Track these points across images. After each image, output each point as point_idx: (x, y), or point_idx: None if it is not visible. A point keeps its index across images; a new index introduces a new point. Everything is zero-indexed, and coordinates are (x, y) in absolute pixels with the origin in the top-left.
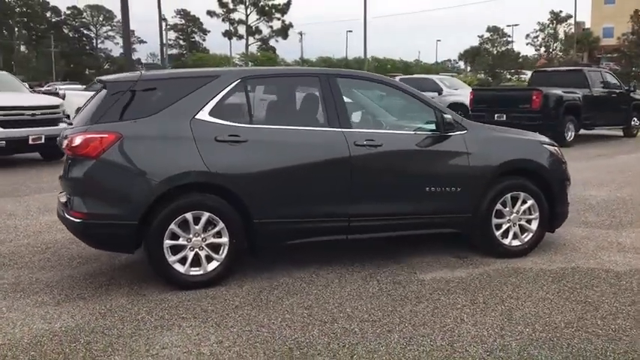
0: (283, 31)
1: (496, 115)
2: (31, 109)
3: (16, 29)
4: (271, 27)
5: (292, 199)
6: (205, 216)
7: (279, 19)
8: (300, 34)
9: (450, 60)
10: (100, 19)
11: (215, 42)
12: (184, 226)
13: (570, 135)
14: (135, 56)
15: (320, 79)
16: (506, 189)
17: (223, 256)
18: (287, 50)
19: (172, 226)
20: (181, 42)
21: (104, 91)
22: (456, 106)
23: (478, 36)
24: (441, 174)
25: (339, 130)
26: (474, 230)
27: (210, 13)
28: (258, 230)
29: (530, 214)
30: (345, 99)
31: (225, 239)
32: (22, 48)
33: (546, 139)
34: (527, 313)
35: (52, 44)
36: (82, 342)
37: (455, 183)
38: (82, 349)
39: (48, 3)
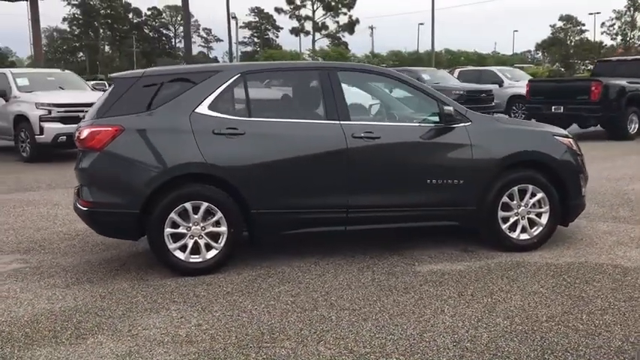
0: (349, 26)
1: (553, 108)
2: (90, 105)
3: (101, 30)
4: (337, 22)
5: (289, 190)
6: (204, 206)
7: (345, 14)
8: (371, 28)
9: (529, 51)
10: (178, 18)
11: (287, 39)
12: (184, 215)
13: (634, 127)
14: (212, 54)
15: (320, 72)
16: (513, 181)
17: (222, 244)
18: (358, 45)
19: (172, 215)
20: (255, 39)
21: (111, 87)
22: (516, 99)
23: (550, 25)
24: (443, 166)
25: (337, 122)
26: (479, 223)
27: (278, 10)
28: (256, 220)
29: (540, 207)
30: (349, 92)
31: (223, 228)
32: (107, 48)
33: (559, 131)
34: (511, 306)
35: (133, 44)
36: (74, 321)
37: (457, 175)
38: (72, 327)
39: (130, 5)
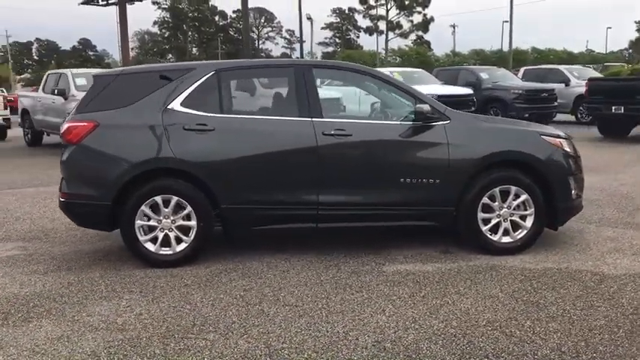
0: (424, 25)
1: (613, 108)
2: None
3: (190, 33)
4: (412, 21)
5: (259, 186)
6: (174, 200)
7: (419, 12)
8: (453, 26)
9: (627, 49)
10: (262, 20)
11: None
12: (156, 208)
13: None
14: (294, 55)
15: (294, 70)
16: (494, 182)
17: (191, 238)
18: (440, 44)
19: (143, 208)
20: (337, 40)
21: (92, 84)
22: (582, 98)
23: (635, 22)
24: (417, 165)
25: (309, 119)
26: (459, 225)
27: (352, 10)
28: (226, 215)
29: (525, 209)
30: (326, 89)
31: (193, 222)
32: (194, 50)
33: (548, 130)
34: (456, 309)
35: (218, 46)
36: (30, 306)
37: (432, 175)
38: (25, 311)
39: (216, 8)
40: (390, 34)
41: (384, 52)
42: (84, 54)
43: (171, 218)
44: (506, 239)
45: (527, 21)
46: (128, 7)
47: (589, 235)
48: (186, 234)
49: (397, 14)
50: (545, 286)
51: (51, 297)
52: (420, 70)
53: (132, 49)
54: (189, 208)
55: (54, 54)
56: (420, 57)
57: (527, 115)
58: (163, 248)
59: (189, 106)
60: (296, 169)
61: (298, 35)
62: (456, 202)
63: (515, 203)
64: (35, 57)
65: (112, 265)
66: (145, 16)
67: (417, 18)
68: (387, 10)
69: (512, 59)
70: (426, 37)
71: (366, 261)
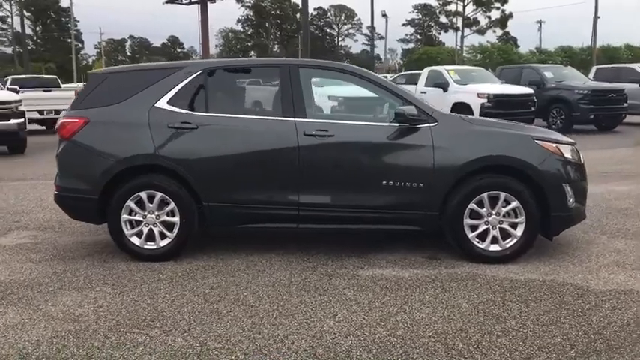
0: (502, 22)
1: None
2: None
3: (272, 31)
4: (489, 17)
5: (240, 185)
6: (158, 196)
7: (497, 8)
8: (540, 22)
9: None
10: (342, 17)
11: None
12: (141, 203)
13: None
14: (375, 52)
15: (281, 69)
16: (482, 188)
17: (174, 234)
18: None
19: (129, 203)
20: (418, 37)
21: (87, 82)
22: None
23: None
24: (400, 168)
25: (291, 119)
26: (444, 230)
27: (428, 7)
28: (207, 213)
29: (516, 217)
30: (313, 89)
31: (176, 218)
32: (275, 48)
33: (544, 135)
34: (409, 318)
35: (298, 43)
36: (6, 292)
37: (416, 178)
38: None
39: (298, 5)
40: (467, 31)
41: (465, 48)
42: (172, 51)
43: (156, 214)
44: (494, 247)
45: (626, 15)
46: (211, 5)
47: (596, 246)
48: (170, 230)
49: (474, 10)
50: (518, 299)
51: (30, 285)
52: (478, 68)
53: (216, 46)
54: (172, 205)
55: (145, 51)
56: (503, 54)
57: (592, 117)
58: (148, 243)
59: (176, 104)
60: (277, 169)
61: (380, 32)
62: (441, 207)
63: (504, 210)
64: (128, 53)
65: (102, 257)
66: (229, 15)
67: (495, 14)
68: (464, 6)
69: (604, 57)
70: (512, 33)
71: (346, 264)
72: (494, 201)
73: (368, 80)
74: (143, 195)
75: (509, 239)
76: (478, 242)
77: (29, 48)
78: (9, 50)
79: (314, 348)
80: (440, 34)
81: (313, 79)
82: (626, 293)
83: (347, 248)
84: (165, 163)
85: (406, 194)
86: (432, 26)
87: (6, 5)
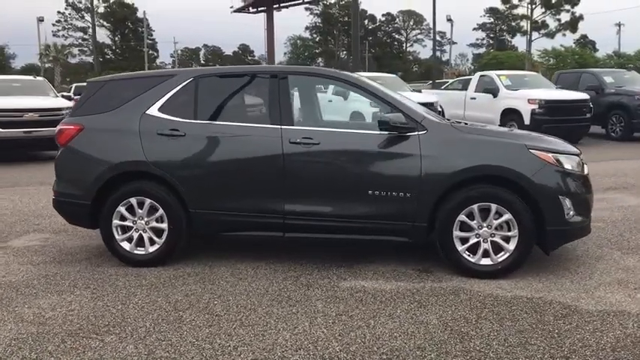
0: (572, 24)
1: None
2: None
3: (342, 37)
4: (559, 20)
5: (226, 192)
6: (147, 202)
7: (567, 11)
8: (619, 25)
9: None
10: (411, 23)
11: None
12: (131, 209)
13: None
14: (444, 57)
15: (270, 76)
16: (472, 199)
17: (163, 240)
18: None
19: (120, 209)
20: (490, 40)
21: (85, 90)
22: None
23: None
24: (387, 177)
25: (278, 127)
26: (434, 242)
27: (493, 10)
28: (194, 219)
29: (509, 230)
30: (301, 97)
31: (165, 225)
32: (342, 54)
33: (542, 144)
34: (369, 334)
35: (366, 49)
36: None
37: (403, 188)
38: None
39: (366, 11)
40: (535, 34)
41: (536, 52)
42: (243, 58)
43: (145, 219)
44: (485, 261)
45: None
46: (279, 14)
47: (604, 263)
48: (159, 236)
49: (542, 13)
50: (494, 317)
51: (17, 287)
52: (532, 73)
53: (284, 54)
54: (161, 211)
55: (218, 59)
56: (578, 58)
57: None
58: (138, 248)
59: (166, 111)
60: (263, 177)
61: (449, 37)
62: (429, 218)
63: (496, 222)
64: (202, 61)
65: (97, 261)
66: (298, 22)
67: (565, 17)
68: (532, 10)
69: None
70: (590, 36)
71: (331, 274)
72: (485, 213)
73: (355, 86)
74: (133, 201)
75: (502, 253)
76: (469, 256)
77: (108, 57)
78: (90, 59)
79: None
80: (513, 37)
81: (317, 86)
82: (615, 314)
83: (339, 258)
84: (154, 170)
85: (393, 204)
86: (504, 30)
87: (87, 17)
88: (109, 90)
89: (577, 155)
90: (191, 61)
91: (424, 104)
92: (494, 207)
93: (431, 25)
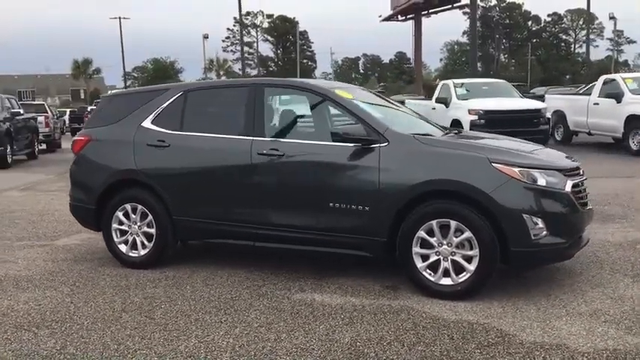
0: None
1: None
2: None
3: (503, 41)
4: None
5: (202, 200)
6: (139, 208)
7: None
8: None
9: None
10: (580, 22)
11: None
12: (127, 214)
13: None
14: (622, 58)
15: (249, 89)
16: (429, 214)
17: (152, 244)
18: None
19: (117, 213)
20: None
21: (98, 104)
22: None
23: None
24: (345, 189)
25: (249, 138)
26: (395, 258)
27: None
28: (176, 226)
29: (471, 248)
30: (274, 108)
31: (154, 230)
32: (502, 57)
33: (511, 158)
34: (267, 347)
35: (528, 52)
36: None
37: (361, 201)
38: None
39: (529, 12)
40: None
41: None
42: (401, 66)
43: (138, 224)
44: (445, 281)
45: None
46: (435, 19)
47: (592, 292)
48: (150, 240)
49: None
50: (412, 340)
51: (19, 280)
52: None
53: (441, 59)
54: (150, 217)
55: (377, 67)
56: None
57: None
58: (132, 250)
59: (157, 123)
60: (234, 187)
61: (627, 36)
62: (389, 234)
63: (457, 240)
64: (361, 70)
65: (103, 262)
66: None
67: None
68: None
69: None
70: None
71: (293, 286)
72: (446, 230)
73: (330, 100)
74: (128, 207)
75: (463, 273)
76: (429, 274)
77: (271, 69)
78: (254, 72)
79: None
80: None
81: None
82: (548, 348)
83: (314, 270)
84: (143, 178)
85: (352, 217)
86: None
87: (252, 32)
88: (116, 104)
89: (558, 171)
90: (350, 70)
91: (525, 111)
92: (453, 224)
93: (604, 24)
